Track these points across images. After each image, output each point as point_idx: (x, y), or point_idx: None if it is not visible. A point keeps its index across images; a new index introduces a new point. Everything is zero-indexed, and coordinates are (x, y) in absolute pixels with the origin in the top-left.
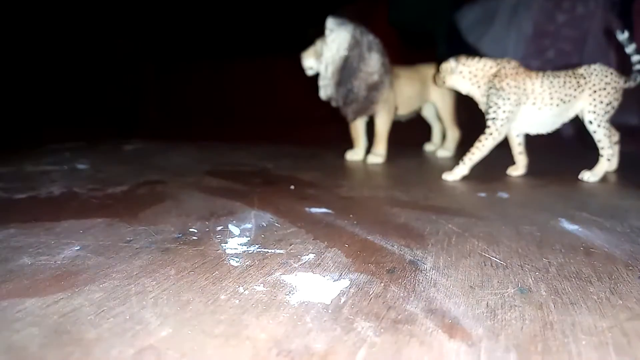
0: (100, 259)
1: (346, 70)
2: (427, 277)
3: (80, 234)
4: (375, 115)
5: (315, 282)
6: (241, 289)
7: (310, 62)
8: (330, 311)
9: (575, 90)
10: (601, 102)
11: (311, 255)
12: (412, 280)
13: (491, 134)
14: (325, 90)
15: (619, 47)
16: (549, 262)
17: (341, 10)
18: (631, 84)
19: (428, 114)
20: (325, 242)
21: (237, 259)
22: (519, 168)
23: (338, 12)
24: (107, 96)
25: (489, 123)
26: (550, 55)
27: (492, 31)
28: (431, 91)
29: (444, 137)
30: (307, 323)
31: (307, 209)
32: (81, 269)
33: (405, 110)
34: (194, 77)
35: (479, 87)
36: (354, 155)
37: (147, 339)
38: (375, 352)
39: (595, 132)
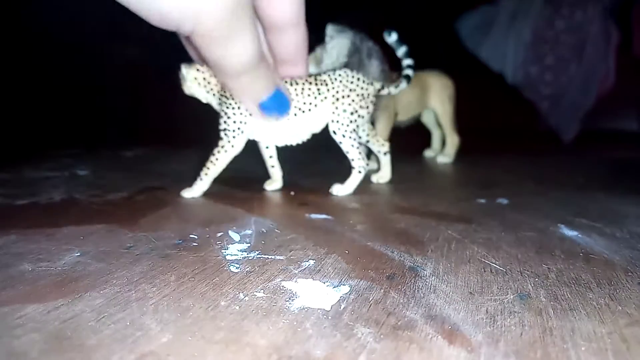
0: (101, 265)
1: None
2: (427, 283)
3: (80, 240)
4: (375, 122)
5: (315, 289)
6: (241, 295)
7: (310, 68)
8: (330, 317)
9: (315, 98)
10: (344, 110)
11: (311, 262)
12: (411, 286)
13: (223, 146)
14: None
15: (619, 52)
16: (548, 268)
17: (342, 17)
18: (392, 90)
19: (428, 120)
20: (325, 248)
21: (237, 265)
22: (274, 182)
23: (338, 19)
24: (107, 102)
25: (221, 135)
26: (549, 62)
27: (491, 38)
28: (431, 97)
29: (443, 143)
30: (307, 329)
31: (307, 215)
32: (82, 275)
33: (405, 116)
34: None
35: (213, 95)
36: None
37: (147, 345)
38: (375, 358)
39: (341, 142)
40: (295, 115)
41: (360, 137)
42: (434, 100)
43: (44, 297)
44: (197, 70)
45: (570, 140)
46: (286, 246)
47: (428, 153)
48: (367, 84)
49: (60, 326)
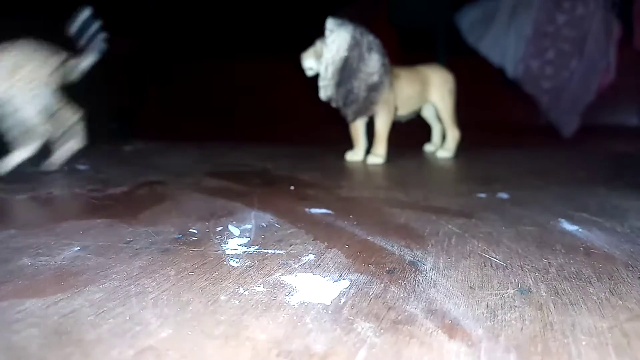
0: (100, 259)
1: (346, 70)
2: (427, 277)
3: (80, 234)
4: (375, 116)
5: (315, 283)
6: (241, 290)
7: (310, 62)
8: (330, 312)
9: None
10: (22, 80)
11: (311, 256)
12: (412, 280)
13: None
14: (325, 90)
15: (620, 47)
16: (549, 262)
17: (341, 11)
18: (79, 62)
19: (428, 114)
20: (325, 243)
21: (237, 260)
22: None
23: (338, 13)
24: (107, 96)
25: None
26: (550, 56)
27: (492, 31)
28: (431, 92)
29: (444, 137)
30: (307, 324)
31: (307, 209)
32: (81, 269)
33: (405, 110)
34: (193, 77)
35: None
36: (354, 155)
37: (147, 339)
38: (375, 353)
39: (18, 110)
40: None
41: (50, 107)
42: (435, 94)
43: (43, 291)
44: None
45: (570, 135)
46: (286, 240)
47: (428, 147)
48: (48, 55)
49: (60, 321)
